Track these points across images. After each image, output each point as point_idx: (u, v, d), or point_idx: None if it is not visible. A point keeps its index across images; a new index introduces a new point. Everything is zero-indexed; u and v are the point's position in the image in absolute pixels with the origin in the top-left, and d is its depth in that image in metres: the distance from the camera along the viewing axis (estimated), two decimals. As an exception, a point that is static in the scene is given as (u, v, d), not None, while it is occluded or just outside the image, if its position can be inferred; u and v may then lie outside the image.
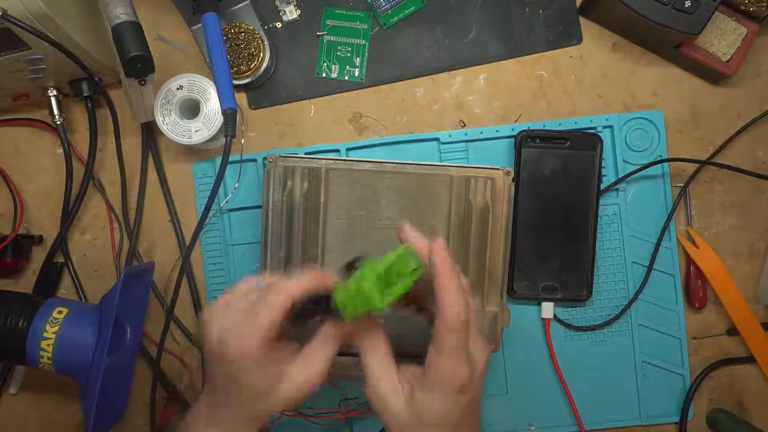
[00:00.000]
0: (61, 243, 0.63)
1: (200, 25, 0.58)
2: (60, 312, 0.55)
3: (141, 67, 0.50)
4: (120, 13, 0.49)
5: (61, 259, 0.64)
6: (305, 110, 0.63)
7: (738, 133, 0.61)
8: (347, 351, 0.42)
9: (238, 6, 0.61)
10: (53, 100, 0.60)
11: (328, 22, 0.63)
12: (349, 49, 0.63)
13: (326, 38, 0.63)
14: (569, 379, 0.61)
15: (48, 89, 0.60)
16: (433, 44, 0.63)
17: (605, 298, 0.62)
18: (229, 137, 0.54)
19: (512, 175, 0.56)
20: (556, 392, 0.61)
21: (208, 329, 0.40)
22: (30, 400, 0.64)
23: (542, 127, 0.60)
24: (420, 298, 0.42)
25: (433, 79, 0.63)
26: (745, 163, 0.61)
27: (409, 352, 0.42)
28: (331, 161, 0.56)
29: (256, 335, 0.38)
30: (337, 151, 0.61)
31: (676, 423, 0.61)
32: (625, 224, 0.61)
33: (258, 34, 0.60)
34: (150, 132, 0.63)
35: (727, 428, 0.59)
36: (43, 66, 0.55)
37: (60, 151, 0.63)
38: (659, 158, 0.61)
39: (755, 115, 0.61)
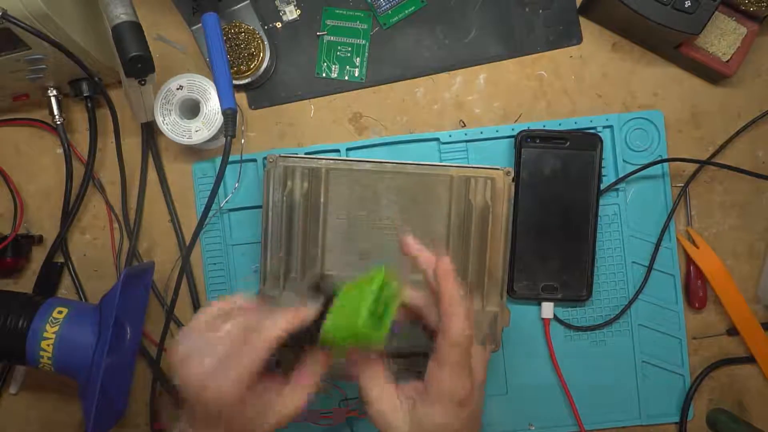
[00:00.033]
0: (61, 243, 0.63)
1: (200, 25, 0.58)
2: (60, 312, 0.55)
3: (141, 67, 0.50)
4: (120, 13, 0.49)
5: (61, 259, 0.64)
6: (305, 110, 0.63)
7: (738, 133, 0.61)
8: None
9: (238, 6, 0.61)
10: (53, 100, 0.60)
11: (328, 22, 0.63)
12: (349, 49, 0.63)
13: (326, 38, 0.63)
14: (569, 379, 0.61)
15: (48, 89, 0.60)
16: (433, 44, 0.63)
17: (605, 298, 0.62)
18: (229, 137, 0.54)
19: (512, 175, 0.56)
20: (556, 392, 0.61)
21: (183, 375, 0.39)
22: (30, 400, 0.64)
23: (542, 127, 0.60)
24: (417, 312, 0.43)
25: (433, 79, 0.63)
26: (745, 163, 0.61)
27: (400, 353, 0.42)
28: (331, 161, 0.56)
29: (236, 385, 0.37)
30: (337, 151, 0.61)
31: (676, 423, 0.61)
32: (625, 224, 0.61)
33: (258, 34, 0.60)
34: (150, 132, 0.63)
35: (727, 428, 0.59)
36: (43, 66, 0.55)
37: (60, 151, 0.63)
38: (659, 158, 0.61)
39: (755, 115, 0.61)
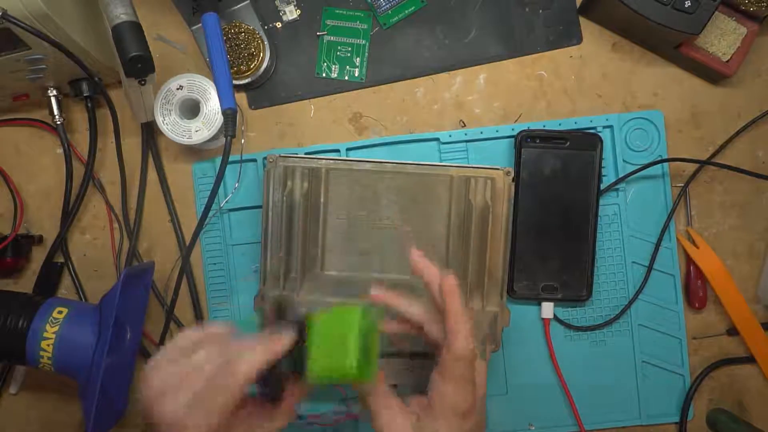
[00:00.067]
0: (61, 243, 0.63)
1: (200, 25, 0.58)
2: (60, 312, 0.55)
3: (141, 67, 0.50)
4: (120, 13, 0.49)
5: (61, 259, 0.64)
6: (305, 110, 0.63)
7: (738, 133, 0.61)
8: None
9: (238, 6, 0.61)
10: (53, 100, 0.60)
11: (328, 22, 0.63)
12: (349, 49, 0.63)
13: (326, 38, 0.63)
14: (569, 379, 0.61)
15: (48, 89, 0.60)
16: (433, 44, 0.63)
17: (605, 298, 0.62)
18: (229, 137, 0.54)
19: (512, 175, 0.56)
20: (556, 392, 0.61)
21: (158, 413, 0.38)
22: (30, 400, 0.64)
23: (542, 127, 0.60)
24: (419, 326, 0.43)
25: (433, 79, 0.63)
26: (745, 163, 0.61)
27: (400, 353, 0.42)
28: (331, 161, 0.56)
29: (214, 419, 0.37)
30: (337, 151, 0.61)
31: (676, 423, 0.61)
32: (625, 224, 0.61)
33: (258, 34, 0.60)
34: (150, 132, 0.63)
35: (727, 428, 0.59)
36: (43, 66, 0.55)
37: (60, 151, 0.63)
38: (659, 158, 0.61)
39: (755, 115, 0.61)
